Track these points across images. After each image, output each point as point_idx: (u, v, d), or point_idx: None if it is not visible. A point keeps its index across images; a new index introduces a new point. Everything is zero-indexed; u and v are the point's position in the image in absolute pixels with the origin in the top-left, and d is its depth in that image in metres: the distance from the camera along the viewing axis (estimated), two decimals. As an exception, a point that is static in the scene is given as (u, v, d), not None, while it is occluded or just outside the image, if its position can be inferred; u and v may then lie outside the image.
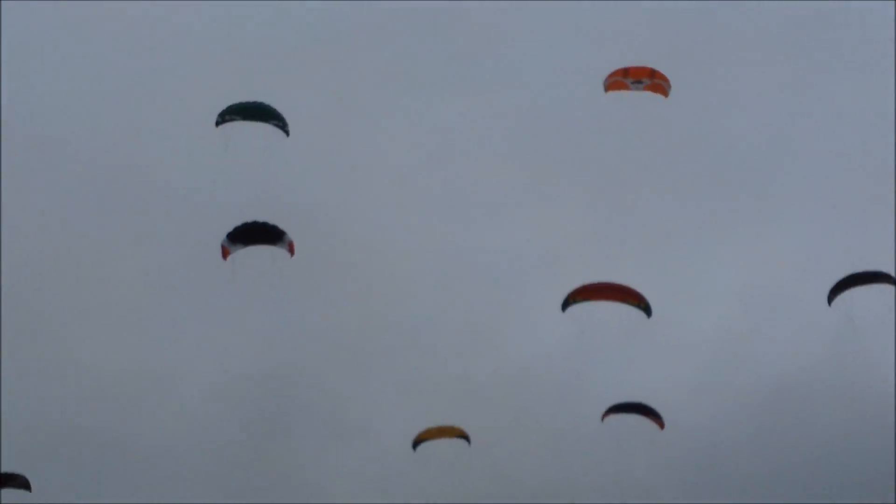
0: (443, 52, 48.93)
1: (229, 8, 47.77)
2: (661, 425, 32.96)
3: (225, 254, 29.49)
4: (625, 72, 30.19)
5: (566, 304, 28.75)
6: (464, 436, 33.04)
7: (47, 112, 45.58)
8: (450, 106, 47.85)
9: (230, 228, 29.37)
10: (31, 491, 31.64)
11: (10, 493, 31.60)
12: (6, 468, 32.13)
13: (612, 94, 30.52)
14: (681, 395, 40.23)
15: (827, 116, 50.05)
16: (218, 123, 29.14)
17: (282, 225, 29.15)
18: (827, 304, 30.62)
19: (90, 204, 45.45)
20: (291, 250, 29.79)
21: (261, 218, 29.28)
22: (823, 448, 41.24)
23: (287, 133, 29.75)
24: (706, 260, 46.17)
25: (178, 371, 43.65)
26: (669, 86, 30.19)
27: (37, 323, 43.52)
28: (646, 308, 28.56)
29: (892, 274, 30.37)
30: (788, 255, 45.44)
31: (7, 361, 40.91)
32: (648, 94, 30.42)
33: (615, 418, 32.81)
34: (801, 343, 42.90)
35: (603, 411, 32.82)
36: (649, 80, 30.03)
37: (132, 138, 45.22)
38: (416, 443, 33.30)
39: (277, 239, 29.52)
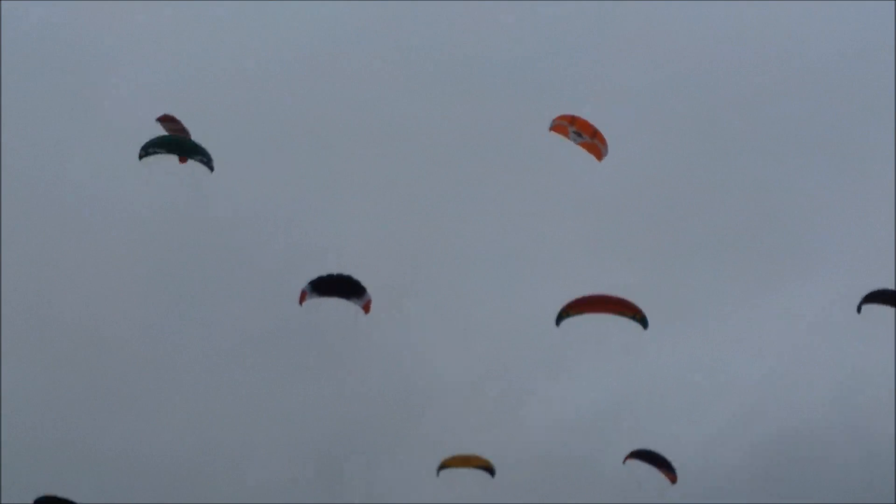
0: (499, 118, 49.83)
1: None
2: (674, 479, 32.91)
3: (302, 298, 29.66)
4: (572, 120, 30.53)
5: (560, 318, 28.80)
6: (489, 468, 33.11)
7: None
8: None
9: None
10: None
11: None
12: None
13: (553, 135, 30.84)
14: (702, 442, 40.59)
15: (862, 172, 50.50)
16: (141, 157, 29.30)
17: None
18: (857, 311, 30.30)
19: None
20: (367, 309, 29.96)
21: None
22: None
23: (212, 169, 29.88)
24: (738, 317, 46.42)
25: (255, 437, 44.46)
26: (605, 152, 30.40)
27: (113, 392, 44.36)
28: (642, 320, 28.50)
29: None
30: (810, 313, 46.08)
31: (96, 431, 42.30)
32: (582, 151, 30.63)
33: (635, 463, 32.98)
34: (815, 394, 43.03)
35: (626, 455, 33.09)
36: (590, 138, 30.28)
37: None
38: (441, 468, 33.46)
39: (356, 295, 29.77)
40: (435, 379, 45.18)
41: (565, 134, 30.46)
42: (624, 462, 33.01)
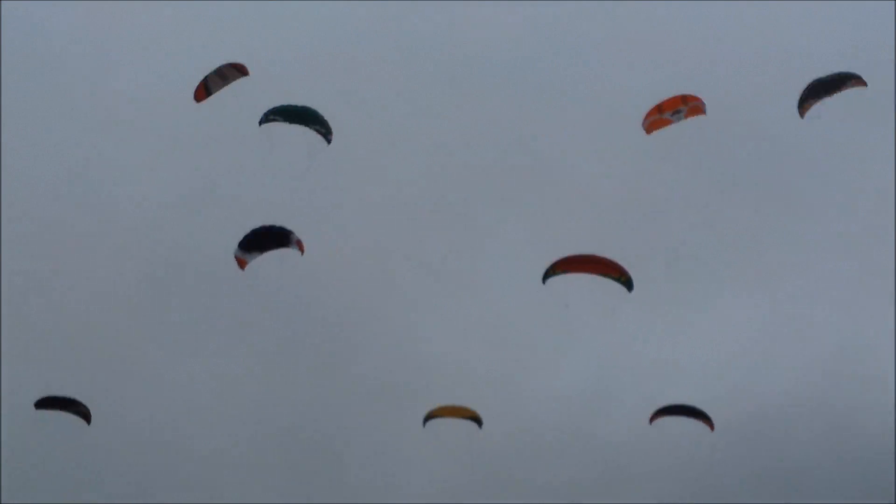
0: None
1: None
2: (712, 427, 32.63)
3: (242, 264, 30.08)
4: (658, 108, 30.36)
5: (546, 276, 28.80)
6: (476, 418, 32.93)
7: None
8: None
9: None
10: (89, 424, 31.53)
11: (68, 418, 31.44)
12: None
13: (656, 133, 30.56)
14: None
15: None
16: (261, 123, 29.63)
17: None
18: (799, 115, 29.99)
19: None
20: (301, 248, 30.18)
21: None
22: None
23: (329, 141, 30.28)
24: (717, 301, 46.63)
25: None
26: (704, 103, 30.20)
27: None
28: (626, 282, 28.49)
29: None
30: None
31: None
32: (690, 121, 30.40)
33: (663, 420, 32.76)
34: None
35: (651, 414, 32.91)
36: (685, 106, 30.10)
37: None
38: (427, 419, 33.34)
39: (286, 240, 30.04)
40: (430, 355, 45.18)
41: (666, 123, 30.20)
42: (651, 422, 32.74)
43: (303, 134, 29.99)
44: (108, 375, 43.42)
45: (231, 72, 30.43)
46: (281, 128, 29.75)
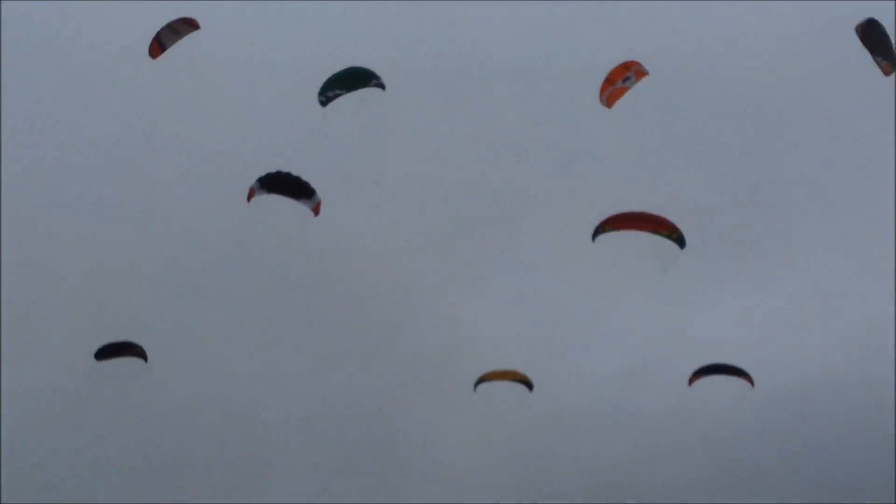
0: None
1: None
2: (752, 383, 32.42)
3: (250, 195, 28.94)
4: (609, 81, 30.20)
5: (596, 234, 28.28)
6: (527, 381, 32.51)
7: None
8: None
9: None
10: (146, 362, 30.62)
11: (127, 363, 30.99)
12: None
13: (617, 104, 30.50)
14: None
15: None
16: (324, 104, 28.40)
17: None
18: None
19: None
20: (317, 211, 29.32)
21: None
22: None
23: (384, 87, 28.85)
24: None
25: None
26: (641, 64, 30.24)
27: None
28: (678, 239, 27.94)
29: None
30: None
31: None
32: (641, 84, 30.32)
33: (703, 382, 32.41)
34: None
35: (690, 375, 32.58)
36: (630, 72, 30.11)
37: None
38: (478, 382, 33.11)
39: (306, 196, 29.01)
40: (473, 333, 44.86)
41: (623, 91, 30.02)
42: (690, 384, 32.38)
43: (361, 95, 28.96)
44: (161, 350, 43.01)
45: (182, 26, 30.04)
46: (345, 101, 28.63)
